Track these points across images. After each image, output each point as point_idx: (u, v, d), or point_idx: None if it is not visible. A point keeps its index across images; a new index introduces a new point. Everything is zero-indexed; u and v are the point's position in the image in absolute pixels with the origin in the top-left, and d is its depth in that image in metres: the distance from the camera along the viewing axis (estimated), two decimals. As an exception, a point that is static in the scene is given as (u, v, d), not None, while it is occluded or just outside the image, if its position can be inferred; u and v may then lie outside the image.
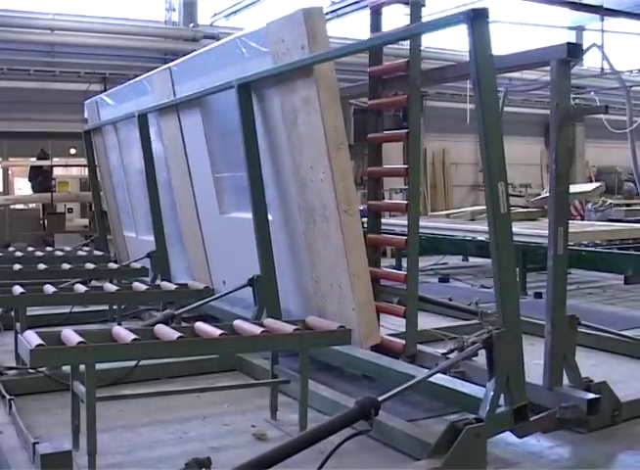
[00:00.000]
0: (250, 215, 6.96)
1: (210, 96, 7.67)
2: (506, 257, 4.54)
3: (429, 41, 16.50)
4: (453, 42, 21.00)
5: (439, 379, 5.42)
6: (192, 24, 20.01)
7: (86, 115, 12.75)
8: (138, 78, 10.25)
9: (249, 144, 6.78)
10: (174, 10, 20.21)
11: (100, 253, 11.36)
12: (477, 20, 4.39)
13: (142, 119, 9.53)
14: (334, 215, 6.01)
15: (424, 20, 6.32)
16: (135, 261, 10.49)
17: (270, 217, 6.94)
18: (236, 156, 7.11)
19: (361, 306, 6.10)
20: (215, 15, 20.69)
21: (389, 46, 6.88)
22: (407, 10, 6.59)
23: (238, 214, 7.64)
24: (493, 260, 4.52)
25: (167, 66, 8.85)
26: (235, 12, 20.23)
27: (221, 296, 7.60)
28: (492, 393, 4.47)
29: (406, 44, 6.57)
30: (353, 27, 18.87)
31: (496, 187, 4.35)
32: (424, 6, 6.58)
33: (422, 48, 6.55)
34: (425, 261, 13.50)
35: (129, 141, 10.67)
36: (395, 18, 7.71)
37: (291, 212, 6.73)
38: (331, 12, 19.13)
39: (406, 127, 6.52)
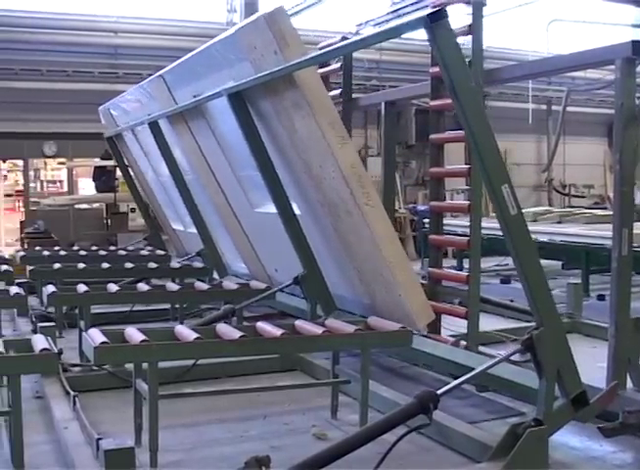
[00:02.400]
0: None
1: (210, 102, 7.55)
2: (527, 257, 4.38)
3: (491, 41, 16.39)
4: (516, 41, 20.86)
5: (504, 372, 5.38)
6: (253, 26, 20.09)
7: (103, 121, 12.95)
8: (137, 85, 10.26)
9: (254, 148, 6.74)
10: (235, 11, 20.30)
11: (162, 252, 11.47)
12: (436, 24, 3.98)
13: (154, 127, 9.61)
14: (355, 210, 5.96)
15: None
16: (185, 260, 10.62)
17: (298, 212, 6.95)
18: (249, 155, 7.10)
19: (407, 291, 6.04)
20: (276, 16, 20.75)
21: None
22: (469, 9, 6.55)
23: (268, 209, 7.65)
24: (515, 263, 4.40)
25: (159, 73, 8.81)
26: (297, 12, 20.27)
27: (274, 292, 7.66)
28: (545, 392, 4.40)
29: (468, 44, 6.53)
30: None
31: (500, 191, 4.20)
32: (485, 5, 6.54)
33: (484, 48, 6.51)
34: (486, 262, 13.37)
35: (149, 144, 10.76)
36: (457, 17, 7.64)
37: (316, 208, 6.71)
38: (392, 12, 19.08)
39: (468, 127, 6.47)
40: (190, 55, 7.62)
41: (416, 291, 6.15)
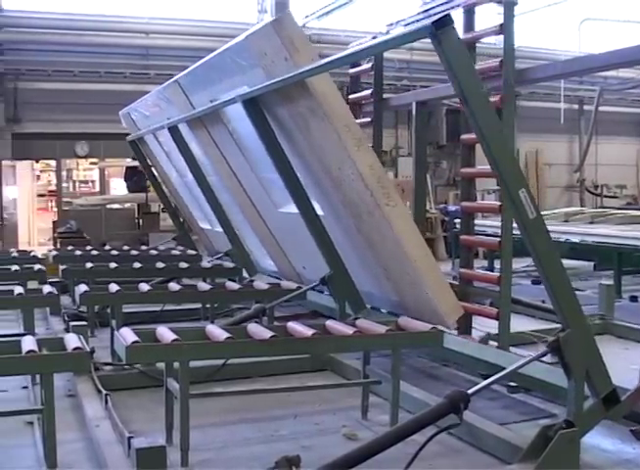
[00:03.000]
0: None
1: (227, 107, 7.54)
2: (549, 260, 4.31)
3: (522, 40, 16.30)
4: (548, 41, 20.74)
5: (537, 372, 5.36)
6: (284, 26, 20.12)
7: (124, 124, 13.05)
8: (153, 91, 10.29)
9: (272, 152, 6.74)
10: (266, 11, 20.36)
11: (193, 252, 11.51)
12: (441, 31, 3.86)
13: (173, 131, 9.64)
14: (376, 211, 5.96)
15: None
16: (212, 260, 10.67)
17: (321, 212, 6.96)
18: (269, 158, 7.10)
19: (434, 289, 6.05)
20: (307, 16, 20.78)
21: (482, 45, 6.85)
22: (500, 9, 6.53)
23: (291, 209, 7.65)
24: (537, 267, 4.35)
25: (175, 78, 8.81)
26: (327, 13, 20.28)
27: (304, 291, 7.66)
28: (575, 393, 4.37)
29: (500, 44, 6.51)
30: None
31: (518, 196, 4.10)
32: (516, 4, 6.51)
33: (515, 47, 6.48)
34: (517, 263, 13.30)
35: (171, 147, 10.79)
36: (489, 17, 7.62)
37: (338, 208, 6.70)
38: (423, 12, 19.04)
39: (499, 127, 6.44)
40: (203, 61, 7.61)
41: (443, 288, 6.14)
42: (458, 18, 7.37)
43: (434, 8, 18.99)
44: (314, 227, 6.92)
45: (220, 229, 10.70)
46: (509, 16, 6.48)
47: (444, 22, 3.85)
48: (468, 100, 4.00)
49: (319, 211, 6.92)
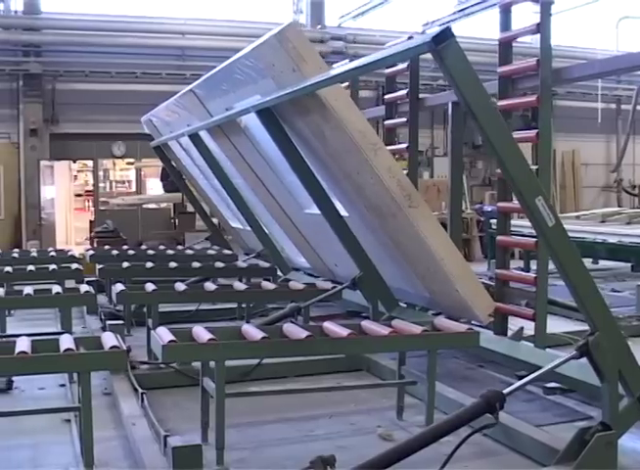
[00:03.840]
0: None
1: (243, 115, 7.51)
2: (572, 266, 4.26)
3: (559, 39, 16.22)
4: (585, 39, 20.57)
5: (574, 372, 5.32)
6: (319, 26, 20.15)
7: (147, 130, 13.12)
8: (171, 99, 10.28)
9: (291, 159, 6.75)
10: (302, 12, 20.40)
11: (228, 251, 11.54)
12: (442, 46, 3.75)
13: (194, 138, 9.66)
14: (399, 213, 5.96)
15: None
16: (247, 259, 10.70)
17: (346, 213, 6.97)
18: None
19: (463, 286, 6.07)
20: (343, 16, 20.78)
21: (519, 45, 6.81)
22: (537, 7, 6.49)
23: (317, 210, 7.66)
24: (561, 274, 4.30)
25: (190, 87, 8.78)
26: (362, 13, 20.28)
27: (339, 290, 7.65)
28: (609, 395, 4.33)
29: (536, 43, 6.47)
30: (483, 26, 18.68)
31: (534, 205, 4.04)
32: (553, 3, 6.46)
33: (552, 46, 6.44)
34: (553, 264, 13.23)
35: (195, 151, 10.73)
36: (526, 15, 7.58)
37: (362, 211, 6.70)
38: (458, 11, 18.99)
39: (535, 127, 6.42)
40: (215, 70, 7.61)
41: (473, 285, 6.14)
42: (494, 17, 7.34)
43: (469, 7, 18.94)
44: (339, 230, 6.98)
45: (249, 228, 10.76)
46: (546, 14, 6.43)
47: (445, 36, 3.74)
48: (476, 113, 3.93)
49: (344, 213, 6.95)
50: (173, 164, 13.39)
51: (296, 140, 6.71)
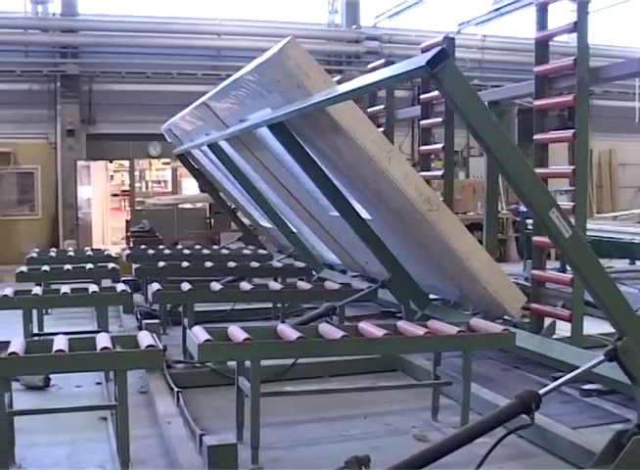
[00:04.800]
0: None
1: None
2: (594, 275, 4.18)
3: (596, 38, 16.09)
4: (623, 38, 20.39)
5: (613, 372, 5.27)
6: (354, 26, 20.14)
7: (168, 139, 13.19)
8: (186, 111, 10.24)
9: (307, 170, 6.77)
10: (337, 12, 20.39)
11: (264, 251, 11.56)
12: (438, 68, 3.65)
13: (214, 148, 9.67)
14: (420, 217, 5.96)
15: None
16: (282, 259, 10.73)
17: (369, 217, 6.99)
18: None
19: (491, 283, 6.07)
20: (378, 16, 20.76)
21: (555, 44, 6.77)
22: (573, 6, 6.45)
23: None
24: (583, 283, 4.25)
25: (202, 100, 8.75)
26: (398, 12, 20.23)
27: (374, 290, 7.64)
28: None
29: (573, 42, 6.43)
30: (519, 25, 18.59)
31: (549, 218, 3.99)
32: (590, 1, 6.42)
33: (589, 45, 6.39)
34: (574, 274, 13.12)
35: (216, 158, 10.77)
36: (562, 14, 7.54)
37: (384, 215, 6.72)
38: (494, 10, 18.89)
39: (572, 127, 6.38)
40: (224, 84, 7.57)
41: (501, 281, 6.15)
42: (530, 16, 7.31)
43: (505, 6, 18.80)
44: (363, 234, 7.03)
45: (279, 227, 10.82)
46: (582, 13, 6.39)
47: (440, 58, 3.65)
48: (479, 132, 3.90)
49: (366, 216, 6.97)
50: (198, 169, 13.44)
51: (311, 151, 6.72)
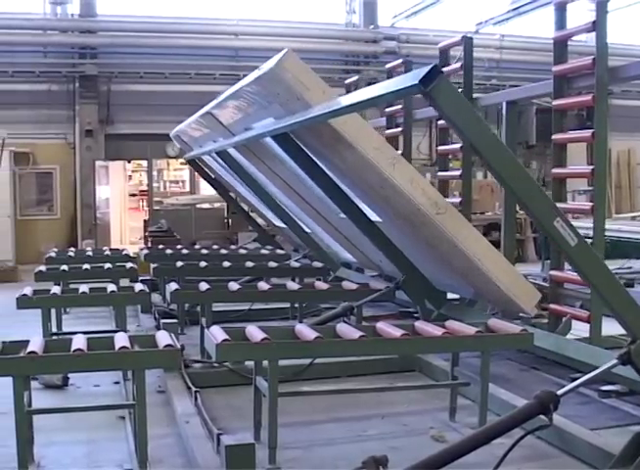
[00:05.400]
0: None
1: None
2: (603, 281, 4.16)
3: (615, 37, 16.02)
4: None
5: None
6: (372, 26, 20.12)
7: (177, 145, 13.21)
8: (192, 119, 10.26)
9: (314, 178, 6.79)
10: (354, 12, 20.37)
11: (282, 251, 11.57)
12: (431, 86, 3.61)
13: (222, 155, 9.68)
14: (428, 221, 5.96)
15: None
16: (299, 259, 10.74)
17: (379, 219, 6.99)
18: None
19: (504, 280, 6.07)
20: (396, 16, 20.73)
21: (574, 43, 6.74)
22: (592, 5, 6.43)
23: None
24: (592, 290, 4.23)
25: (207, 109, 8.73)
26: (415, 12, 20.21)
27: (392, 290, 7.63)
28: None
29: (592, 41, 6.40)
30: (537, 24, 18.54)
31: (554, 228, 3.98)
32: (609, 0, 6.39)
33: (608, 44, 6.36)
34: (608, 265, 13.06)
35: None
36: (581, 13, 7.51)
37: (393, 218, 6.72)
38: (512, 10, 18.85)
39: (590, 127, 6.35)
40: (226, 94, 7.54)
41: (513, 279, 6.17)
42: (549, 15, 7.29)
43: (523, 6, 18.74)
44: (374, 237, 7.06)
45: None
46: (601, 12, 6.36)
47: (432, 76, 3.61)
48: (478, 148, 3.88)
49: (376, 218, 6.97)
50: (210, 173, 13.47)
51: (316, 158, 6.73)
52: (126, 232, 22.28)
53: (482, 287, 6.39)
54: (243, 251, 11.72)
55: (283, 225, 11.90)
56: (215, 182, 13.67)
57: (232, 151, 9.54)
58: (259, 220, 14.16)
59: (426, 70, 3.61)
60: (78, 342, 4.68)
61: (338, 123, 5.57)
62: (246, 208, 14.44)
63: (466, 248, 5.98)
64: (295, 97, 5.63)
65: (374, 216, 7.03)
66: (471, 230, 6.18)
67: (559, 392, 4.14)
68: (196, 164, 13.28)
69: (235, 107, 7.41)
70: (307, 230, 10.60)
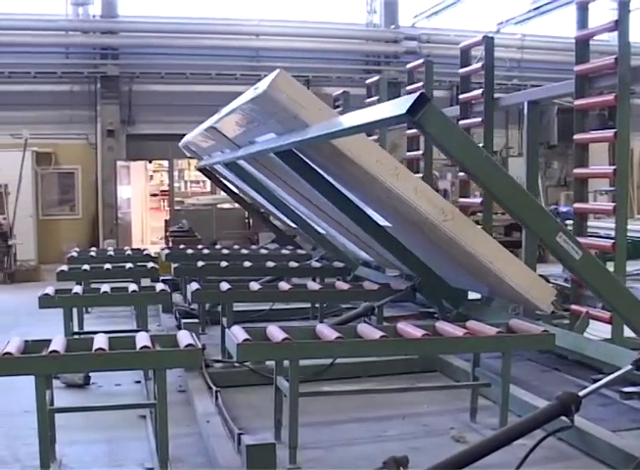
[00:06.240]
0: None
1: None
2: (611, 292, 4.16)
3: (638, 36, 15.92)
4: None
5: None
6: (393, 26, 20.10)
7: (187, 154, 13.23)
8: (197, 131, 10.27)
9: (320, 190, 6.81)
10: (375, 12, 20.35)
11: (302, 252, 11.57)
12: (419, 115, 3.58)
13: (231, 165, 9.68)
14: (436, 228, 5.95)
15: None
16: (319, 258, 10.74)
17: (389, 224, 6.98)
18: None
19: (517, 280, 6.04)
20: (416, 16, 20.70)
21: (596, 43, 6.71)
22: (614, 4, 6.39)
23: None
24: (602, 300, 4.21)
25: (211, 124, 8.64)
26: (436, 12, 20.17)
27: (405, 293, 7.62)
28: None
29: (614, 40, 6.37)
30: (558, 24, 18.45)
31: (556, 243, 3.97)
32: (630, -1, 6.37)
33: (631, 43, 6.33)
34: (631, 266, 12.97)
35: None
36: (603, 12, 7.48)
37: (403, 226, 6.71)
38: (534, 9, 18.77)
39: (613, 127, 6.32)
40: (227, 110, 7.52)
41: (527, 278, 6.14)
42: (571, 14, 7.25)
43: (545, 5, 18.60)
44: (386, 243, 7.08)
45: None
46: (624, 11, 6.33)
47: (420, 103, 3.58)
48: (473, 171, 3.90)
49: (386, 223, 6.96)
50: (222, 181, 13.48)
51: (321, 171, 6.73)
52: (147, 232, 22.33)
53: (497, 286, 6.39)
54: (264, 251, 11.73)
55: (297, 227, 11.92)
56: (229, 189, 13.65)
57: (240, 161, 9.56)
58: (276, 222, 14.17)
59: (412, 98, 3.58)
60: (100, 341, 4.70)
61: (337, 140, 5.55)
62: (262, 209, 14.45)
63: (476, 251, 5.97)
64: (291, 116, 5.61)
65: (383, 222, 7.02)
66: (480, 235, 6.19)
67: (580, 393, 4.13)
68: (208, 172, 13.30)
69: (236, 122, 7.42)
70: (322, 232, 10.58)
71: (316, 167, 6.70)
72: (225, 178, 13.10)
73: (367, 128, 4.69)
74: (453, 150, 3.83)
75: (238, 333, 4.90)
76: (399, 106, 3.69)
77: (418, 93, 3.61)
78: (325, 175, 6.75)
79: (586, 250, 4.09)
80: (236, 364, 6.49)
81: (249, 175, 9.92)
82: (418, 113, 3.57)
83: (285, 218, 12.00)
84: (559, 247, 4.00)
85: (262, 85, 5.56)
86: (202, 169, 13.37)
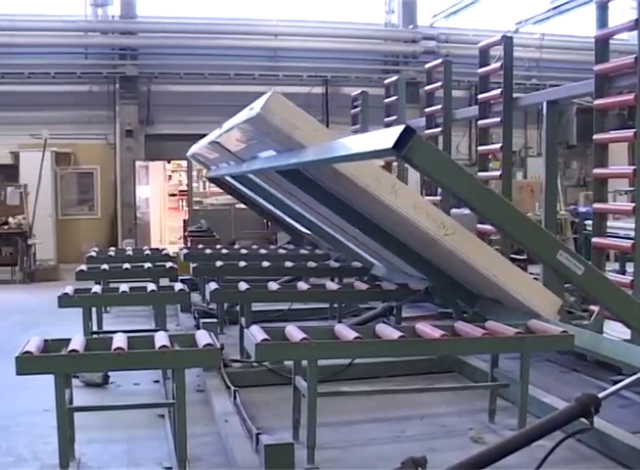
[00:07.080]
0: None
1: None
2: (617, 303, 4.15)
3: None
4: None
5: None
6: (411, 26, 20.07)
7: (195, 163, 13.24)
8: (202, 143, 10.24)
9: (326, 204, 6.85)
10: (394, 12, 20.33)
11: (321, 252, 11.57)
12: (406, 149, 3.57)
13: (239, 178, 9.68)
14: (437, 243, 5.96)
15: None
16: (335, 260, 10.72)
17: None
18: None
19: (521, 292, 6.06)
20: (435, 16, 20.66)
21: (615, 42, 6.68)
22: (634, 3, 6.36)
23: None
24: (609, 312, 4.19)
25: (213, 139, 8.69)
26: (455, 12, 20.11)
27: (416, 296, 7.64)
28: None
29: (634, 40, 6.34)
30: (578, 23, 18.38)
31: (558, 261, 3.96)
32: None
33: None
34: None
35: None
36: (623, 12, 7.44)
37: (407, 238, 6.71)
38: (552, 8, 18.68)
39: (632, 127, 6.29)
40: (227, 126, 7.47)
41: (531, 289, 6.17)
42: (590, 13, 7.23)
43: (564, 4, 18.50)
44: (396, 250, 7.09)
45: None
46: (644, 11, 6.29)
47: (405, 137, 3.56)
48: (466, 199, 3.90)
49: (394, 233, 6.95)
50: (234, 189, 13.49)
51: (323, 186, 6.73)
52: (166, 232, 22.38)
53: (502, 297, 6.37)
54: (282, 251, 11.74)
55: (307, 231, 11.90)
56: (241, 196, 13.63)
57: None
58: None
59: (397, 133, 3.56)
60: (119, 340, 4.72)
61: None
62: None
63: (479, 265, 5.99)
64: (285, 136, 5.62)
65: (393, 233, 7.02)
66: (482, 248, 6.21)
67: (600, 394, 4.10)
68: (218, 181, 13.31)
69: (237, 139, 7.44)
70: (336, 235, 10.57)
71: (319, 183, 6.70)
72: (236, 189, 13.16)
73: (358, 158, 4.70)
74: (444, 180, 3.87)
75: (256, 333, 4.91)
76: (386, 141, 3.67)
77: (403, 127, 3.58)
78: (328, 190, 6.75)
79: (588, 264, 4.08)
80: (254, 364, 6.50)
81: (257, 186, 9.93)
82: (404, 147, 3.56)
83: (297, 225, 12.03)
84: (561, 265, 4.01)
85: (257, 106, 5.55)
86: (212, 179, 13.37)
